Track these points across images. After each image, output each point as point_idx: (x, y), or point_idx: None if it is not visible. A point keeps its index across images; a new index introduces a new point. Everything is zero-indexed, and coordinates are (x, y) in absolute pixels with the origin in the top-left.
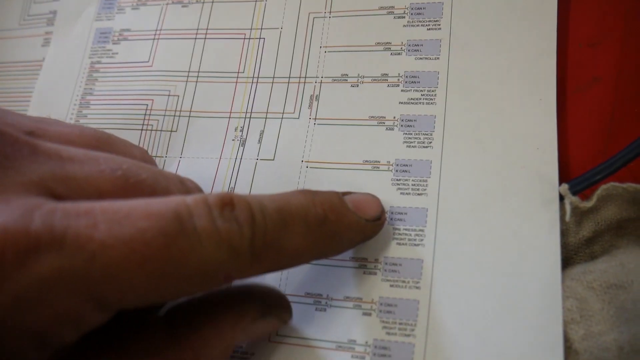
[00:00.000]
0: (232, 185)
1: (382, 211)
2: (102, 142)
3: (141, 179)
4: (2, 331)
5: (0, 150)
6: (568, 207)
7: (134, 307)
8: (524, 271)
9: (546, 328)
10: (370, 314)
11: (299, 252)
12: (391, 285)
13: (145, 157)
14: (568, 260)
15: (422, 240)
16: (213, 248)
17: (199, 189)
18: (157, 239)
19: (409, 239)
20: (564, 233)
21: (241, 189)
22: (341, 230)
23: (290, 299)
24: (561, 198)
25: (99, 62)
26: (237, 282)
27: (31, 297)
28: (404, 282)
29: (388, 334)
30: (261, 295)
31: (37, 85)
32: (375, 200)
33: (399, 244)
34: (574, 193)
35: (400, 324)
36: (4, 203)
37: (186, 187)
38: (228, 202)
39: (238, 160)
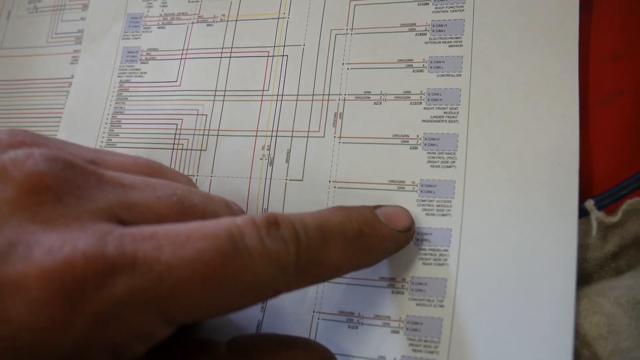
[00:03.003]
0: (264, 206)
1: (412, 222)
2: (154, 170)
3: (194, 204)
4: (83, 346)
5: (72, 180)
6: (594, 222)
7: (195, 320)
8: (541, 288)
9: (557, 344)
10: (398, 332)
11: (338, 265)
12: (417, 304)
13: (190, 184)
14: (593, 274)
15: (446, 259)
16: (264, 265)
17: (242, 211)
18: (216, 259)
19: (434, 259)
20: (589, 248)
21: (274, 210)
22: (376, 242)
23: (324, 316)
24: (587, 213)
25: (127, 81)
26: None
27: (108, 315)
28: (429, 300)
29: (414, 351)
30: (318, 347)
31: (68, 103)
32: (405, 211)
33: (424, 264)
34: (599, 208)
35: (426, 341)
36: (81, 230)
37: (232, 209)
38: (273, 222)
39: (268, 181)
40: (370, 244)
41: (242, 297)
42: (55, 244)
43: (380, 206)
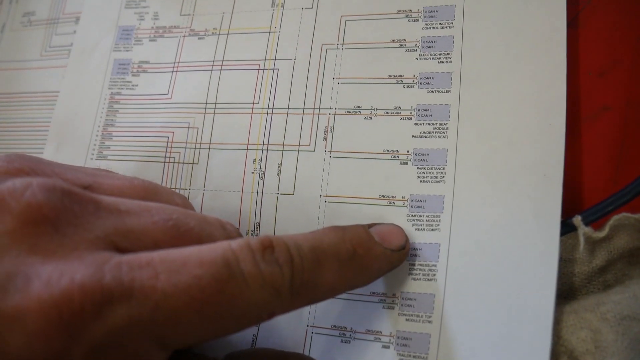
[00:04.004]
0: (257, 220)
1: (407, 240)
2: (150, 192)
3: (190, 227)
4: None
5: (70, 209)
6: (581, 238)
7: (191, 345)
8: (522, 303)
9: (533, 357)
10: (388, 347)
11: (332, 286)
12: (407, 319)
13: (186, 204)
14: (581, 288)
15: (434, 275)
16: (258, 290)
17: (238, 232)
18: (211, 285)
19: (423, 274)
20: (577, 262)
21: (266, 224)
22: (370, 263)
23: (318, 331)
24: (574, 228)
25: (119, 94)
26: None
27: (106, 344)
28: (417, 316)
29: None
30: None
31: (55, 115)
32: (399, 230)
33: (414, 279)
34: (587, 223)
35: (414, 356)
36: (78, 259)
37: (227, 231)
38: (268, 245)
39: (260, 195)
40: (364, 264)
41: (238, 321)
42: (54, 276)
43: (374, 224)
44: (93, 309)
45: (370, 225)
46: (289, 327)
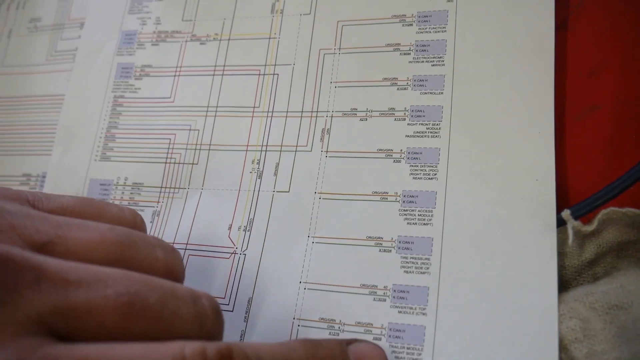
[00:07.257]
0: (251, 216)
1: None
2: (124, 247)
3: (148, 304)
4: None
5: (2, 280)
6: (570, 232)
7: None
8: (523, 297)
9: (543, 352)
10: (380, 339)
11: None
12: (399, 312)
13: (169, 260)
14: (571, 281)
15: (427, 268)
16: None
17: (213, 308)
18: None
19: (416, 267)
20: (567, 256)
21: (260, 220)
22: None
23: (305, 323)
24: (564, 223)
25: (122, 97)
26: None
27: None
28: (411, 308)
29: (397, 358)
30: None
31: (61, 118)
32: (380, 353)
33: (406, 272)
34: (576, 218)
35: (408, 348)
36: None
37: (198, 307)
38: (227, 356)
39: (256, 193)
40: None
41: None
42: None
43: (354, 341)
44: None
45: (349, 342)
46: (274, 319)
